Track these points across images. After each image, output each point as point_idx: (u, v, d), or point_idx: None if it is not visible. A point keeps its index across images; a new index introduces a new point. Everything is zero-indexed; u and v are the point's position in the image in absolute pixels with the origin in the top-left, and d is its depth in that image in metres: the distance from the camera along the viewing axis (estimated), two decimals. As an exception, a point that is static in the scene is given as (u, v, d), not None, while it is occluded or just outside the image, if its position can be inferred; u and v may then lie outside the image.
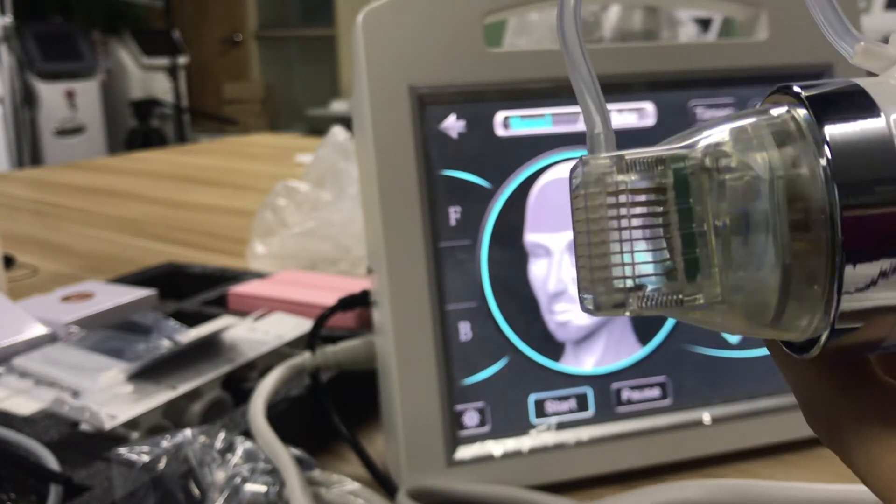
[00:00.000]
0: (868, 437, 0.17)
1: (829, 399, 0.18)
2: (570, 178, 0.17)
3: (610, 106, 0.46)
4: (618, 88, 0.46)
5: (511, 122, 0.45)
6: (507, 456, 0.44)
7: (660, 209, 0.16)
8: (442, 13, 0.43)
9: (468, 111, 0.44)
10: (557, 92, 0.46)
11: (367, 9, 0.42)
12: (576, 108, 0.46)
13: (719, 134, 0.16)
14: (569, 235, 0.45)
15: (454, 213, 0.44)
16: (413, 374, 0.43)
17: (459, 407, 0.44)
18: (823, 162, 0.15)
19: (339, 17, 4.65)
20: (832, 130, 0.15)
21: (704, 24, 1.91)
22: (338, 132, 1.00)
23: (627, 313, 0.16)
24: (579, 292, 0.17)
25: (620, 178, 0.16)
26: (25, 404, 0.50)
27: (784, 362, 0.20)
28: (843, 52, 0.17)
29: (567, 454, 0.45)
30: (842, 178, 0.15)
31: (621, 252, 0.16)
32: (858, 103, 0.15)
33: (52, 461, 0.42)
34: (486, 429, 0.44)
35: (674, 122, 0.47)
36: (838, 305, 0.16)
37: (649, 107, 0.47)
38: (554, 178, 0.45)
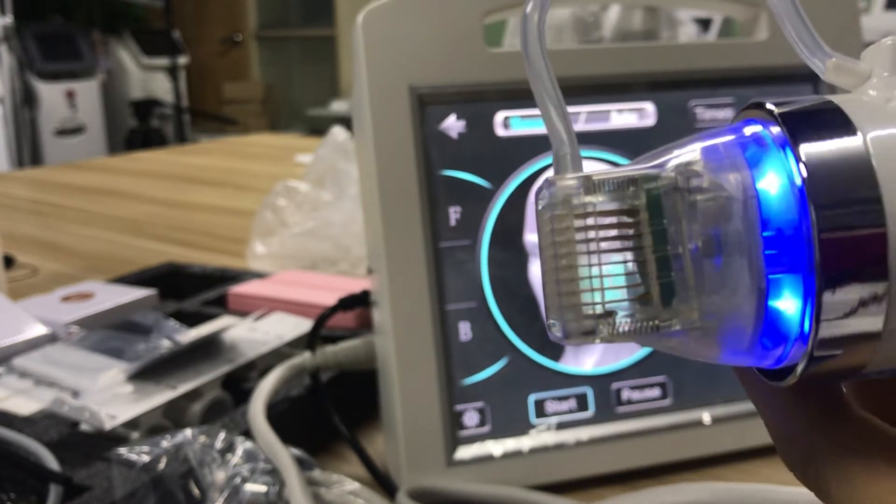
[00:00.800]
0: (845, 472, 0.17)
1: (804, 432, 0.18)
2: (536, 199, 0.16)
3: (610, 106, 0.46)
4: (618, 88, 0.46)
5: (511, 122, 0.45)
6: (507, 456, 0.44)
7: (631, 231, 0.15)
8: (442, 13, 0.43)
9: (468, 111, 0.44)
10: (557, 92, 0.46)
11: (367, 9, 0.42)
12: (576, 108, 0.46)
13: (690, 153, 0.16)
14: (569, 235, 0.45)
15: (454, 213, 0.44)
16: (413, 374, 0.43)
17: (459, 407, 0.44)
18: (799, 181, 0.14)
19: (339, 17, 4.65)
20: (808, 149, 0.15)
21: (704, 24, 1.91)
22: (338, 132, 1.00)
23: (598, 341, 0.16)
24: (547, 318, 0.16)
25: (588, 199, 0.15)
26: (25, 404, 0.50)
27: (756, 393, 0.19)
28: (814, 68, 0.17)
29: (567, 454, 0.45)
30: (819, 199, 0.14)
31: (590, 277, 0.15)
32: (833, 121, 0.15)
33: (52, 461, 0.42)
34: (486, 429, 0.44)
35: (674, 122, 0.47)
36: (817, 332, 0.15)
37: (649, 107, 0.47)
38: (554, 178, 0.45)
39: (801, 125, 0.15)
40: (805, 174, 0.14)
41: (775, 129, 0.15)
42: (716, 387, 0.47)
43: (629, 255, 0.15)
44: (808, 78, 0.49)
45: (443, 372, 0.43)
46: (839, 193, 0.14)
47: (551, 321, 0.16)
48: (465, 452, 0.44)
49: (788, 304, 0.15)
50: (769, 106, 0.15)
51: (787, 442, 0.19)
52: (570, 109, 0.46)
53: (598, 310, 0.15)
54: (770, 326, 0.15)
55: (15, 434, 0.45)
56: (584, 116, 0.46)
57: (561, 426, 0.45)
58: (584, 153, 0.46)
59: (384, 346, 0.44)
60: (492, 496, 0.42)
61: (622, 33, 1.08)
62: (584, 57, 0.46)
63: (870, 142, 0.14)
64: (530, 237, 0.45)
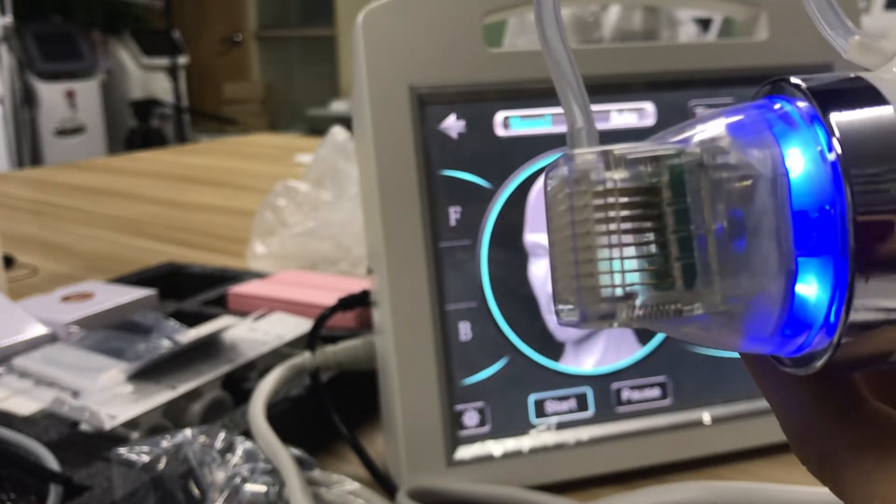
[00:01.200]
0: (863, 469, 0.16)
1: (821, 427, 0.17)
2: (547, 178, 0.16)
3: (610, 106, 0.46)
4: (618, 88, 0.46)
5: (511, 122, 0.45)
6: (507, 456, 0.44)
7: (652, 210, 0.14)
8: (442, 13, 0.43)
9: (468, 111, 0.44)
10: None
11: (367, 9, 0.42)
12: (576, 108, 0.46)
13: (715, 128, 0.15)
14: (569, 235, 0.45)
15: (454, 213, 0.44)
16: (413, 374, 0.43)
17: (459, 407, 0.44)
18: (832, 156, 0.13)
19: (339, 17, 4.65)
20: (840, 121, 0.13)
21: (704, 24, 1.91)
22: (338, 132, 1.00)
23: (616, 325, 0.15)
24: (556, 304, 0.15)
25: (608, 175, 0.14)
26: (25, 404, 0.50)
27: (769, 385, 0.18)
28: (835, 45, 0.16)
29: (567, 454, 0.45)
30: (854, 176, 0.13)
31: (610, 259, 0.14)
32: (864, 94, 0.14)
33: (52, 461, 0.42)
34: (486, 429, 0.44)
35: (674, 122, 0.47)
36: (847, 319, 0.14)
37: (649, 107, 0.47)
38: (554, 178, 0.45)
39: (831, 99, 0.14)
40: (839, 149, 0.13)
41: (802, 104, 0.14)
42: (716, 387, 0.47)
43: (650, 236, 0.14)
44: (808, 78, 0.49)
45: (443, 372, 0.43)
46: (877, 170, 0.13)
47: (562, 306, 0.15)
48: (465, 452, 0.44)
49: (815, 288, 0.14)
50: (795, 80, 0.14)
51: (802, 437, 0.18)
52: (570, 109, 0.46)
53: (619, 293, 0.14)
54: (798, 311, 0.15)
55: (15, 434, 0.45)
56: (584, 116, 0.46)
57: (561, 426, 0.45)
58: (584, 153, 0.46)
59: (384, 346, 0.44)
60: (492, 496, 0.42)
61: (622, 33, 1.08)
62: (584, 57, 0.46)
63: None
64: (530, 237, 0.45)
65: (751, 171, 0.14)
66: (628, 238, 0.14)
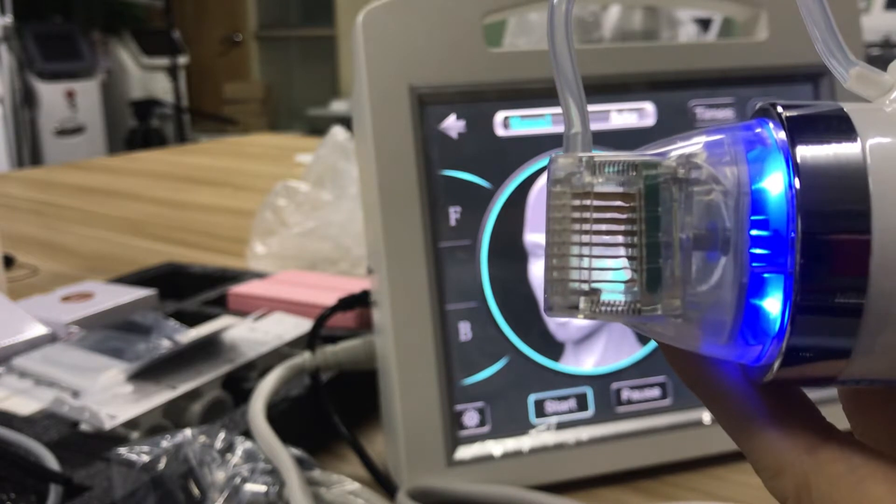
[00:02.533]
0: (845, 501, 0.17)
1: (796, 461, 0.18)
2: (548, 175, 0.17)
3: (610, 106, 0.46)
4: (618, 88, 0.46)
5: (511, 122, 0.45)
6: (507, 456, 0.44)
7: (626, 215, 0.15)
8: (442, 13, 0.43)
9: (468, 111, 0.44)
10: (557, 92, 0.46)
11: (367, 9, 0.42)
12: (576, 108, 0.46)
13: (694, 145, 0.16)
14: (569, 235, 0.45)
15: (454, 213, 0.44)
16: (413, 374, 0.43)
17: (459, 407, 0.44)
18: (794, 184, 0.15)
19: (339, 17, 4.64)
20: (805, 154, 0.15)
21: (704, 24, 1.91)
22: (338, 132, 1.00)
23: (580, 317, 0.16)
24: (543, 292, 0.17)
25: (588, 179, 0.16)
26: (25, 404, 0.50)
27: (740, 427, 0.19)
28: (836, 74, 0.17)
29: (567, 454, 0.45)
30: (807, 205, 0.14)
31: (580, 255, 0.16)
32: (838, 127, 0.15)
33: (52, 461, 0.42)
34: (486, 429, 0.44)
35: (674, 122, 0.47)
36: (791, 334, 0.15)
37: (649, 107, 0.47)
38: (554, 178, 0.45)
39: (805, 129, 0.15)
40: (798, 183, 0.15)
41: (780, 133, 0.15)
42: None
43: (621, 239, 0.15)
44: (809, 78, 0.49)
45: (443, 372, 0.43)
46: (828, 201, 0.14)
47: (544, 295, 0.17)
48: (465, 452, 0.44)
49: (771, 303, 0.15)
50: (778, 108, 0.15)
51: (778, 474, 0.18)
52: (570, 109, 0.46)
53: (585, 287, 0.16)
54: (750, 323, 0.16)
55: (15, 434, 0.45)
56: (584, 116, 0.46)
57: (561, 426, 0.45)
58: (584, 153, 0.46)
59: (384, 346, 0.44)
60: (492, 496, 0.42)
61: (622, 33, 1.08)
62: (584, 57, 0.46)
63: (869, 150, 0.14)
64: (530, 237, 0.45)
65: (718, 187, 0.15)
66: (601, 239, 0.15)
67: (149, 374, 0.50)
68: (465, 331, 0.44)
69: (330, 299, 0.51)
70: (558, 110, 0.46)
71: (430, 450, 0.43)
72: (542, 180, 0.45)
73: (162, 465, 0.39)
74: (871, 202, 0.14)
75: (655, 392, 0.47)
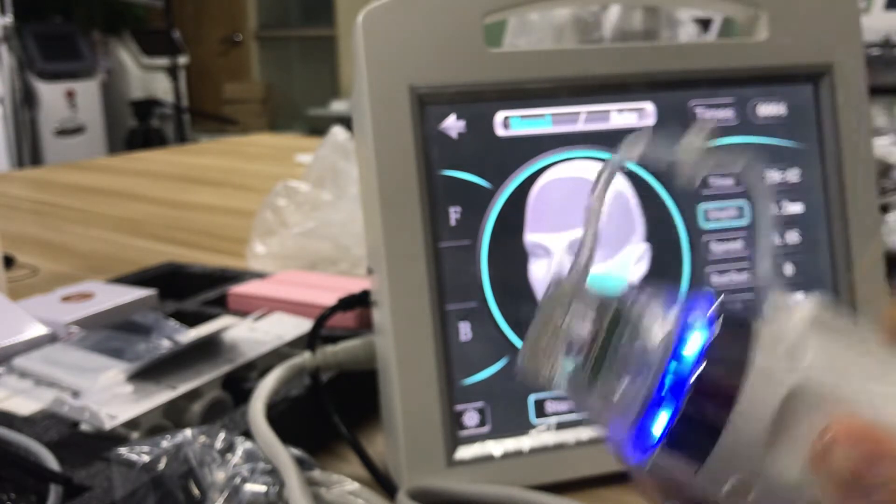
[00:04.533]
0: None
1: None
2: (552, 279, 0.23)
3: (610, 106, 0.46)
4: (618, 88, 0.46)
5: (511, 122, 0.45)
6: (507, 456, 0.44)
7: (593, 327, 0.22)
8: (442, 13, 0.43)
9: (468, 111, 0.44)
10: (557, 92, 0.46)
11: (367, 9, 0.42)
12: (576, 108, 0.46)
13: (653, 299, 0.22)
14: (569, 235, 0.45)
15: (454, 213, 0.44)
16: (413, 374, 0.43)
17: (459, 407, 0.44)
18: (700, 362, 0.20)
19: (339, 17, 4.65)
20: (714, 346, 0.20)
21: (704, 24, 1.91)
22: (338, 132, 1.00)
23: (540, 380, 0.22)
24: (522, 348, 0.23)
25: (577, 301, 0.22)
26: (25, 404, 0.50)
27: None
28: (765, 301, 0.22)
29: (567, 454, 0.45)
30: (702, 378, 0.20)
31: (555, 339, 0.22)
32: (745, 337, 0.21)
33: (52, 461, 0.42)
34: (486, 429, 0.44)
35: (674, 122, 0.47)
36: (664, 446, 0.21)
37: (649, 107, 0.47)
38: (554, 178, 0.45)
39: (725, 326, 0.21)
40: (700, 366, 0.20)
41: (706, 322, 0.21)
42: (716, 387, 0.47)
43: (586, 340, 0.22)
44: (809, 78, 0.49)
45: (443, 372, 0.43)
46: (713, 384, 0.20)
47: (521, 350, 0.23)
48: (465, 452, 0.44)
49: (660, 420, 0.21)
50: (715, 306, 0.21)
51: None
52: (571, 109, 0.46)
53: (547, 362, 0.22)
54: (642, 429, 0.21)
55: (15, 434, 0.45)
56: (584, 116, 0.46)
57: (561, 426, 0.45)
58: (585, 153, 0.46)
59: (384, 346, 0.44)
60: (492, 496, 0.42)
61: (622, 33, 1.08)
62: (584, 57, 0.46)
63: (754, 360, 0.20)
64: (530, 237, 0.45)
65: (657, 332, 0.21)
66: (572, 336, 0.22)
67: (149, 374, 0.50)
68: (465, 331, 0.44)
69: (330, 299, 0.51)
70: (559, 110, 0.46)
71: (430, 450, 0.43)
72: (543, 180, 0.45)
73: (162, 465, 0.39)
74: (739, 400, 0.20)
75: (655, 392, 0.47)
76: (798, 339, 0.21)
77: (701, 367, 0.20)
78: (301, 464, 0.41)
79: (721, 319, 0.21)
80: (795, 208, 0.49)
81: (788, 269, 0.49)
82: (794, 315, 0.22)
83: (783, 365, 0.20)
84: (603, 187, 0.23)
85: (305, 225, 0.85)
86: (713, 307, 0.21)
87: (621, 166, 0.24)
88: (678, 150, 0.23)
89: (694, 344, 0.21)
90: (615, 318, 0.21)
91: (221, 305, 0.68)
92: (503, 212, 0.45)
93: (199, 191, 1.36)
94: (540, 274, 0.45)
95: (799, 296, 0.24)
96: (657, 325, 0.21)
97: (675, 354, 0.21)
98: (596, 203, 0.23)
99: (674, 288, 0.47)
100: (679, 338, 0.21)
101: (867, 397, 0.20)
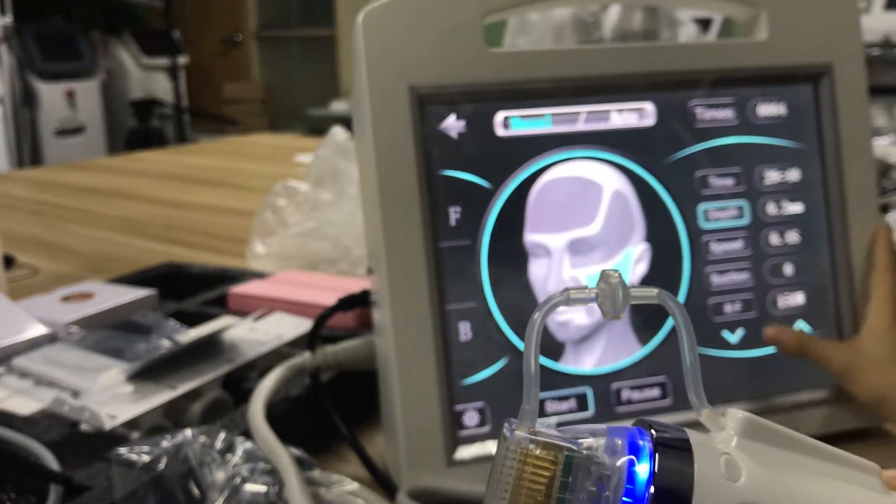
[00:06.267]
0: None
1: None
2: (504, 428, 0.23)
3: (610, 106, 0.46)
4: (618, 88, 0.46)
5: (511, 122, 0.45)
6: (507, 456, 0.44)
7: (547, 474, 0.22)
8: (442, 13, 0.43)
9: (468, 111, 0.44)
10: (557, 92, 0.46)
11: (367, 9, 0.42)
12: (576, 108, 0.46)
13: (601, 440, 0.23)
14: (569, 235, 0.45)
15: (454, 213, 0.44)
16: (413, 374, 0.43)
17: (459, 407, 0.44)
18: (650, 486, 0.22)
19: (339, 17, 4.64)
20: (661, 462, 0.22)
21: (704, 24, 1.91)
22: (338, 132, 1.00)
23: None
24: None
25: (531, 448, 0.22)
26: (25, 404, 0.50)
27: None
28: (696, 411, 0.24)
29: (567, 454, 0.45)
30: (656, 496, 0.21)
31: (515, 490, 0.22)
32: (684, 450, 0.22)
33: (52, 461, 0.42)
34: (486, 429, 0.44)
35: (674, 122, 0.47)
36: None
37: (649, 107, 0.47)
38: (554, 178, 0.45)
39: (665, 450, 0.22)
40: (652, 489, 0.22)
41: (649, 445, 0.22)
42: (716, 387, 0.47)
43: (541, 488, 0.22)
44: (809, 78, 0.49)
45: (443, 372, 0.43)
46: (667, 500, 0.22)
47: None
48: (465, 452, 0.44)
49: None
50: (653, 430, 0.23)
51: None
52: (570, 109, 0.46)
53: None
54: None
55: (15, 434, 0.45)
56: (584, 116, 0.46)
57: (561, 426, 0.45)
58: (584, 153, 0.46)
59: (384, 346, 0.44)
60: (492, 496, 0.42)
61: (622, 33, 1.08)
62: (584, 57, 0.46)
63: (696, 470, 0.22)
64: (530, 237, 0.45)
65: (608, 471, 0.22)
66: (528, 485, 0.22)
67: (149, 374, 0.50)
68: (465, 331, 0.44)
69: (330, 299, 0.51)
70: (559, 110, 0.46)
71: (430, 450, 0.43)
72: (543, 180, 0.45)
73: (162, 465, 0.39)
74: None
75: (655, 392, 0.47)
76: (731, 457, 0.23)
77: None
78: (301, 464, 0.41)
79: (658, 456, 0.22)
80: (795, 208, 0.49)
81: (788, 269, 0.49)
82: (726, 431, 0.23)
83: (723, 490, 0.22)
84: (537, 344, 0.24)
85: (305, 225, 0.85)
86: (650, 438, 0.23)
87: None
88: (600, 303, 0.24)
89: (641, 480, 0.22)
90: (567, 462, 0.23)
91: (221, 305, 0.68)
92: (503, 212, 0.45)
93: (199, 191, 1.36)
94: (540, 274, 0.45)
95: (731, 410, 0.24)
96: (606, 464, 0.23)
97: (628, 493, 0.22)
98: (531, 356, 0.24)
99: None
100: (628, 477, 0.22)
101: None
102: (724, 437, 0.23)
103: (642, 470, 0.22)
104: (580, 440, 0.23)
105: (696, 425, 0.24)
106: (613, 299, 0.24)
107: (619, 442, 0.23)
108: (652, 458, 0.22)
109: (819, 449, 0.24)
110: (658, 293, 0.24)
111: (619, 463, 0.22)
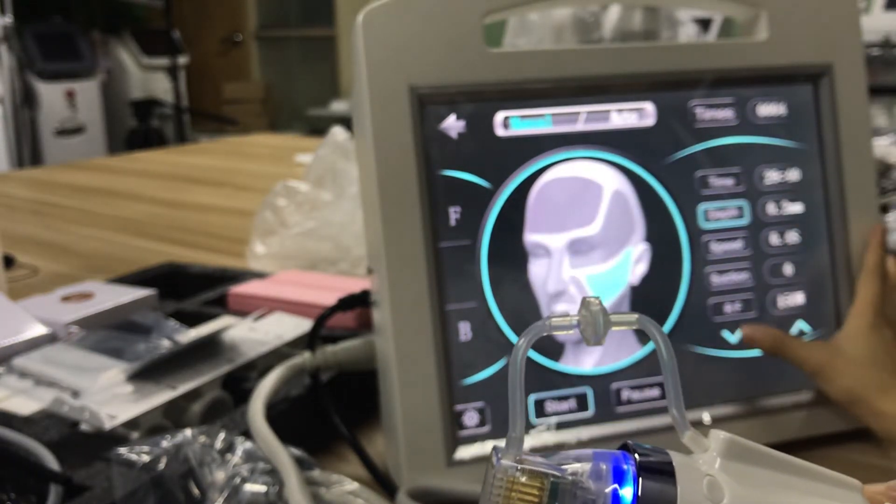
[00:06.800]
0: None
1: None
2: (493, 456, 0.23)
3: (610, 106, 0.46)
4: (618, 88, 0.46)
5: (511, 122, 0.45)
6: (507, 456, 0.44)
7: (534, 500, 0.22)
8: (442, 13, 0.43)
9: (468, 111, 0.44)
10: (557, 92, 0.46)
11: (367, 9, 0.42)
12: (576, 108, 0.46)
13: (586, 465, 0.23)
14: (568, 235, 0.45)
15: (454, 213, 0.44)
16: (413, 374, 0.43)
17: (459, 407, 0.44)
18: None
19: (339, 17, 4.64)
20: (644, 484, 0.22)
21: (704, 24, 1.91)
22: (338, 132, 1.00)
23: None
24: None
25: (517, 477, 0.23)
26: (25, 404, 0.50)
27: None
28: (679, 433, 0.24)
29: (567, 454, 0.45)
30: None
31: None
32: (667, 472, 0.22)
33: (52, 461, 0.42)
34: (486, 429, 0.44)
35: (674, 122, 0.47)
36: None
37: (649, 107, 0.47)
38: (554, 178, 0.45)
39: (649, 474, 0.22)
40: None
41: (633, 468, 0.23)
42: (716, 387, 0.47)
43: None
44: (809, 78, 0.49)
45: (443, 372, 0.43)
46: None
47: None
48: (465, 452, 0.44)
49: None
50: (637, 454, 0.23)
51: None
52: (570, 109, 0.46)
53: None
54: None
55: (15, 434, 0.45)
56: (584, 116, 0.46)
57: (561, 426, 0.45)
58: (584, 153, 0.46)
59: (384, 346, 0.44)
60: (492, 496, 0.42)
61: (622, 33, 1.08)
62: (584, 57, 0.46)
63: (679, 491, 0.22)
64: (530, 237, 0.45)
65: (593, 496, 0.22)
66: None
67: (149, 374, 0.50)
68: (465, 331, 0.44)
69: (330, 299, 0.51)
70: (559, 110, 0.46)
71: (430, 450, 0.43)
72: (543, 180, 0.45)
73: (162, 465, 0.39)
74: None
75: (655, 392, 0.47)
76: (714, 479, 0.23)
77: None
78: (301, 464, 0.41)
79: (641, 480, 0.23)
80: (795, 208, 0.49)
81: (788, 269, 0.49)
82: (709, 452, 0.24)
83: None
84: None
85: (305, 225, 0.85)
86: (633, 464, 0.23)
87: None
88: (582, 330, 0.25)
89: (626, 503, 0.23)
90: (553, 489, 0.23)
91: (221, 305, 0.68)
92: (503, 212, 0.45)
93: (199, 191, 1.36)
94: (540, 274, 0.45)
95: (713, 431, 0.24)
96: (592, 490, 0.23)
97: None
98: (514, 381, 0.24)
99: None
100: (613, 500, 0.23)
101: None
102: (707, 459, 0.24)
103: (627, 493, 0.23)
104: (565, 466, 0.23)
105: (695, 423, 0.24)
106: (595, 326, 0.24)
107: (604, 467, 0.23)
108: (636, 481, 0.23)
109: (802, 468, 0.24)
110: (639, 318, 0.24)
111: (606, 489, 0.23)
